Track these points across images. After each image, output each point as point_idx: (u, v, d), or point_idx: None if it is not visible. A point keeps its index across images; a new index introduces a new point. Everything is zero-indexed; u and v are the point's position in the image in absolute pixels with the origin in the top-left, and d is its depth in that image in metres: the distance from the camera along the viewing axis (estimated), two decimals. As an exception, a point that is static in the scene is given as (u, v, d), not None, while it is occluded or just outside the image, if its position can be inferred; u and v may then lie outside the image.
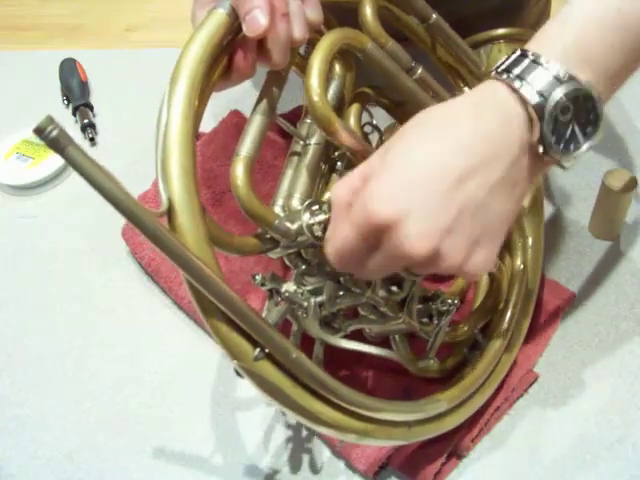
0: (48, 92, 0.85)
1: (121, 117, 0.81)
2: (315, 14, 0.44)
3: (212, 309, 0.37)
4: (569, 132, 0.38)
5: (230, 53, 0.43)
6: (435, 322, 0.47)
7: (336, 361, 0.48)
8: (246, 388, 0.56)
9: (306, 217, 0.41)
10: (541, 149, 0.37)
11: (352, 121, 0.47)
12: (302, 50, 0.51)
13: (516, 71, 0.37)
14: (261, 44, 0.43)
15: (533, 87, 0.36)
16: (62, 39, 1.10)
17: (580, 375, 0.55)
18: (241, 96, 0.80)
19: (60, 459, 0.53)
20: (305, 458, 0.52)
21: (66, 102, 0.84)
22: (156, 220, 0.32)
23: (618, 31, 0.38)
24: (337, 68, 0.49)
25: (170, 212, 0.36)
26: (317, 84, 0.40)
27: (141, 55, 0.93)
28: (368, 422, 0.42)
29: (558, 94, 0.36)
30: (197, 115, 0.39)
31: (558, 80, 0.37)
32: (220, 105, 0.71)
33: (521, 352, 0.54)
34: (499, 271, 0.53)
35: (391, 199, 0.35)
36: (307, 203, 0.41)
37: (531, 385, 0.54)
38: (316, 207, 0.41)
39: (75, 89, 0.84)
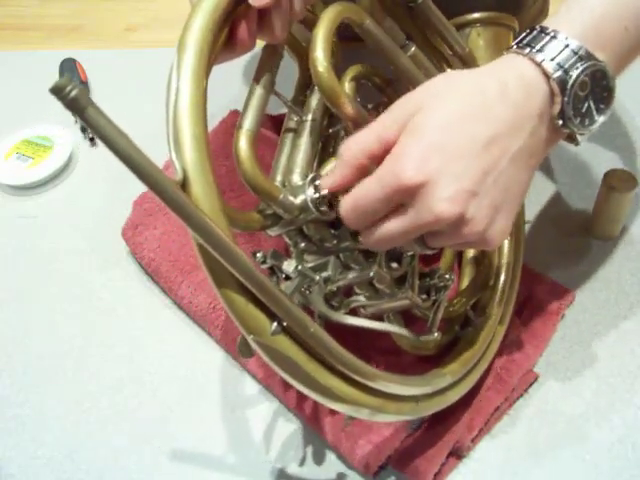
0: (48, 92, 0.85)
1: (121, 117, 0.81)
2: None
3: (227, 280, 0.35)
4: (585, 107, 0.39)
5: (231, 25, 0.42)
6: (433, 298, 0.47)
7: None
8: (246, 388, 0.56)
9: (310, 191, 0.40)
10: (560, 122, 0.39)
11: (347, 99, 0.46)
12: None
13: (537, 46, 0.38)
14: (262, 16, 0.42)
15: (554, 62, 0.38)
16: (62, 39, 1.09)
17: (580, 375, 0.55)
18: (241, 96, 0.80)
19: (60, 459, 0.53)
20: (305, 458, 0.52)
21: (66, 102, 0.84)
22: (175, 186, 0.31)
23: (632, 15, 0.40)
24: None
25: (184, 182, 0.35)
26: (323, 55, 0.40)
27: (141, 55, 0.93)
28: (381, 397, 0.41)
29: (578, 70, 0.38)
30: (205, 86, 0.38)
31: (578, 56, 0.38)
32: (220, 105, 0.71)
33: (521, 352, 0.55)
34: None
35: (423, 162, 0.35)
36: (310, 177, 0.41)
37: (531, 385, 0.54)
38: (319, 182, 0.41)
39: (75, 89, 0.84)
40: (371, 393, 0.41)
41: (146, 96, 0.83)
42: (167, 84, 0.37)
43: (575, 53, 0.38)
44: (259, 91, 0.43)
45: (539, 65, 0.38)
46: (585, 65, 0.38)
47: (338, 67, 0.49)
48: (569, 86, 0.38)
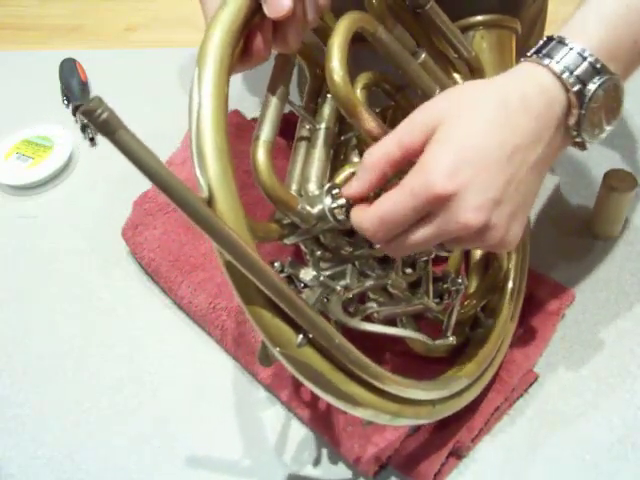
0: (48, 92, 0.85)
1: (121, 117, 0.81)
2: None
3: (254, 296, 0.36)
4: (597, 118, 0.41)
5: (247, 36, 0.42)
6: (446, 301, 0.48)
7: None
8: (246, 388, 0.56)
9: (328, 201, 0.41)
10: (575, 132, 0.40)
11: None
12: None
13: (557, 57, 0.39)
14: (277, 27, 0.42)
15: (574, 74, 0.39)
16: (62, 39, 1.10)
17: (580, 375, 0.55)
18: (241, 96, 0.80)
19: (60, 459, 0.53)
20: (305, 458, 0.52)
21: (66, 102, 0.84)
22: (203, 204, 0.31)
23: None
24: None
25: (210, 197, 0.35)
26: (339, 65, 0.40)
27: (141, 55, 0.93)
28: (400, 403, 0.42)
29: (595, 84, 0.39)
30: (226, 99, 0.38)
31: (595, 70, 0.39)
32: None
33: (521, 352, 0.55)
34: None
35: (455, 173, 0.37)
36: (327, 187, 0.41)
37: (531, 385, 0.54)
38: (336, 191, 0.41)
39: (75, 89, 0.84)
40: (390, 399, 0.41)
41: (146, 96, 0.83)
42: (189, 98, 0.37)
43: (593, 66, 0.39)
44: (274, 101, 0.43)
45: (559, 77, 0.39)
46: (602, 79, 0.39)
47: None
48: (587, 99, 0.39)
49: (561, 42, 0.40)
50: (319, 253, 0.44)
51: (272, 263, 0.41)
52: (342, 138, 0.47)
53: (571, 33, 0.41)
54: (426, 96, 0.47)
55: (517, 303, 0.55)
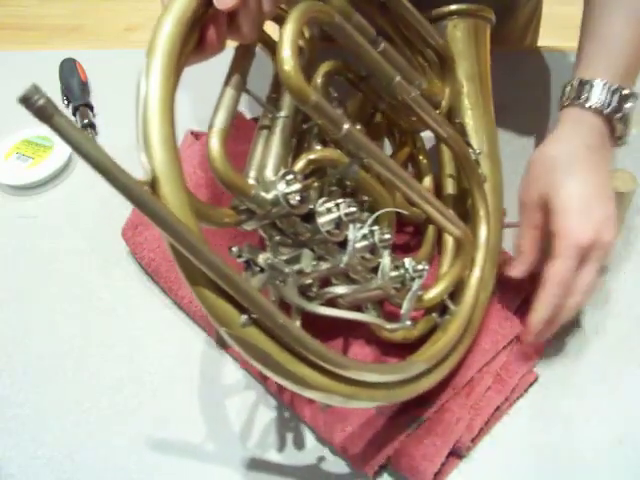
0: (48, 92, 0.85)
1: (121, 117, 0.81)
2: None
3: (198, 276, 0.37)
4: (630, 122, 0.54)
5: (201, 27, 0.42)
6: (407, 288, 0.48)
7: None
8: (247, 388, 0.56)
9: (282, 186, 0.41)
10: (619, 142, 0.55)
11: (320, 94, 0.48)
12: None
13: (593, 99, 0.52)
14: (231, 18, 0.43)
15: (611, 107, 0.52)
16: (62, 39, 1.10)
17: (580, 375, 0.55)
18: (242, 100, 0.80)
19: (60, 459, 0.53)
20: (305, 458, 0.52)
21: (66, 102, 0.84)
22: (142, 187, 0.32)
23: None
24: (301, 42, 0.49)
25: (154, 182, 0.36)
26: (289, 55, 0.40)
27: (141, 55, 0.93)
28: (353, 385, 0.43)
29: (627, 106, 0.52)
30: (174, 88, 0.39)
31: (624, 96, 0.52)
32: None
33: (521, 352, 0.55)
34: (466, 236, 0.54)
35: (585, 224, 0.50)
36: (282, 173, 0.42)
37: (531, 385, 0.54)
38: (291, 177, 0.42)
39: (75, 89, 0.84)
40: (343, 381, 0.42)
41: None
42: (136, 87, 0.38)
43: (621, 95, 0.52)
44: (230, 90, 0.44)
45: (602, 114, 0.52)
46: (628, 98, 0.52)
47: (314, 64, 0.50)
48: (625, 120, 0.53)
49: (589, 84, 0.52)
50: (278, 238, 0.45)
51: (230, 248, 0.41)
52: (305, 127, 0.47)
53: (596, 72, 0.52)
54: (386, 83, 0.48)
55: (485, 291, 0.55)
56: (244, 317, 0.38)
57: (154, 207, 0.33)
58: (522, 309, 0.57)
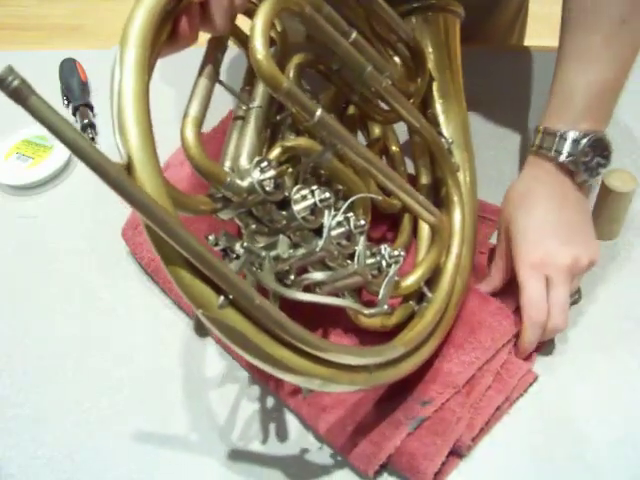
0: (48, 92, 0.84)
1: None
2: None
3: (174, 257, 0.37)
4: (593, 165, 0.56)
5: (174, 19, 0.44)
6: (384, 274, 0.49)
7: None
8: (248, 388, 0.56)
9: (256, 174, 0.42)
10: (581, 183, 0.57)
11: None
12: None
13: (554, 148, 0.56)
14: (204, 10, 0.44)
15: (568, 154, 0.55)
16: (62, 39, 1.10)
17: (580, 375, 0.55)
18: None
19: (60, 459, 0.53)
20: (305, 458, 0.52)
21: (66, 102, 0.84)
22: (119, 168, 0.33)
23: (611, 92, 0.55)
24: (274, 36, 0.51)
25: (129, 166, 0.37)
26: (261, 44, 0.41)
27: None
28: (332, 368, 0.43)
29: (583, 146, 0.54)
30: (148, 78, 0.40)
31: (578, 140, 0.54)
32: (220, 106, 0.71)
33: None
34: (441, 223, 0.55)
35: (537, 253, 0.54)
36: (256, 161, 0.43)
37: (531, 385, 0.54)
38: (265, 164, 0.43)
39: (75, 89, 0.84)
40: (322, 364, 0.43)
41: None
42: (110, 76, 0.38)
43: (576, 140, 0.54)
44: (203, 81, 0.45)
45: (562, 165, 0.55)
46: (588, 141, 0.54)
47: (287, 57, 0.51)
48: (580, 162, 0.55)
49: (551, 133, 0.56)
50: (254, 227, 0.45)
51: (207, 237, 0.42)
52: (278, 117, 0.48)
53: (553, 121, 0.56)
54: (358, 73, 0.49)
55: (462, 276, 0.56)
56: (221, 298, 0.38)
57: (128, 187, 0.33)
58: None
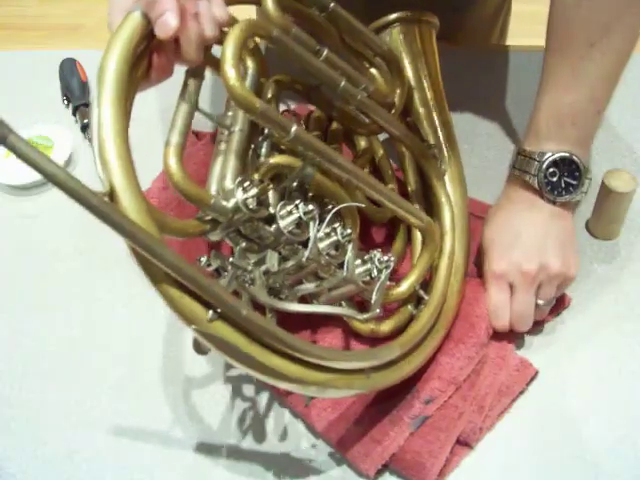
0: (48, 92, 0.85)
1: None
2: (222, 12, 0.47)
3: (161, 276, 0.39)
4: (563, 184, 0.56)
5: (149, 55, 0.46)
6: (376, 280, 0.49)
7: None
8: (250, 388, 0.56)
9: (239, 193, 0.44)
10: (554, 202, 0.57)
11: (271, 106, 0.51)
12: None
13: (523, 168, 0.57)
14: (177, 44, 0.46)
15: (532, 174, 0.56)
16: (62, 39, 1.10)
17: (580, 375, 0.55)
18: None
19: (60, 459, 0.53)
20: (305, 458, 0.52)
21: (66, 102, 0.84)
22: (100, 197, 0.35)
23: (583, 114, 0.55)
24: (249, 63, 0.53)
25: (112, 193, 0.39)
26: (232, 70, 0.42)
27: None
28: (327, 372, 0.44)
29: (546, 166, 0.55)
30: (127, 112, 0.43)
31: (541, 160, 0.56)
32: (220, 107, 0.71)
33: (511, 337, 0.56)
34: (430, 226, 0.56)
35: (502, 260, 0.56)
36: (238, 181, 0.45)
37: (531, 381, 0.54)
38: (247, 183, 0.45)
39: (75, 89, 0.84)
40: (317, 369, 0.44)
41: (145, 96, 0.83)
42: (90, 112, 0.41)
43: (541, 160, 0.56)
44: (182, 110, 0.46)
45: (527, 184, 0.57)
46: (551, 159, 0.56)
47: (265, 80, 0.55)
48: (548, 186, 0.56)
49: (525, 155, 0.57)
50: (244, 245, 0.47)
51: (198, 259, 0.44)
52: (259, 139, 0.50)
53: (530, 144, 0.57)
54: (333, 88, 0.51)
55: (455, 277, 0.57)
56: (210, 312, 0.40)
57: (109, 213, 0.36)
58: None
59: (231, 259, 0.44)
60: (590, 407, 0.53)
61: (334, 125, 0.61)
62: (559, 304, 0.58)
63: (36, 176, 0.75)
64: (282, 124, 0.45)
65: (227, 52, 0.43)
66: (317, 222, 0.46)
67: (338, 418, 0.51)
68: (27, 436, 0.54)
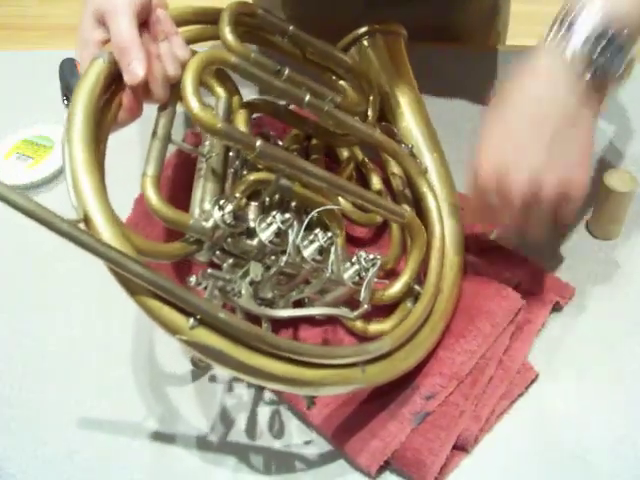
0: (48, 92, 0.85)
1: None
2: (183, 52, 0.51)
3: (139, 289, 0.41)
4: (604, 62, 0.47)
5: (119, 94, 0.49)
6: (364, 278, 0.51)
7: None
8: (251, 386, 0.56)
9: (216, 212, 0.46)
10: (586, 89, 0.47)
11: (242, 128, 0.54)
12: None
13: (566, 38, 0.47)
14: (144, 85, 0.49)
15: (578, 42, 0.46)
16: (62, 39, 1.10)
17: (580, 375, 0.55)
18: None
19: (60, 459, 0.53)
20: (306, 457, 0.52)
21: (66, 102, 0.84)
22: (72, 224, 0.39)
23: None
24: (220, 91, 0.56)
25: (86, 219, 0.42)
26: (193, 98, 0.46)
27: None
28: (319, 369, 0.45)
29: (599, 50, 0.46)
30: (100, 152, 0.47)
31: (592, 36, 0.46)
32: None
33: (521, 334, 0.56)
34: (413, 220, 0.57)
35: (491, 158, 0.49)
36: (214, 200, 0.47)
37: (532, 383, 0.54)
38: (223, 201, 0.47)
39: (75, 89, 0.84)
40: (308, 367, 0.44)
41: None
42: (61, 152, 0.45)
43: (591, 33, 0.46)
44: (157, 143, 0.49)
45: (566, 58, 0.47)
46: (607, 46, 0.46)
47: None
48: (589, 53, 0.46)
49: (563, 23, 0.47)
50: (231, 261, 0.49)
51: (188, 279, 0.45)
52: (237, 162, 0.52)
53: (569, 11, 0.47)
54: (298, 104, 0.54)
55: (451, 270, 0.58)
56: (191, 320, 0.41)
57: (80, 237, 0.40)
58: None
59: (209, 270, 0.46)
60: (590, 407, 0.53)
61: (314, 141, 0.63)
62: (563, 293, 0.58)
63: (36, 176, 0.75)
64: (246, 141, 0.48)
65: (186, 83, 0.47)
66: (295, 229, 0.48)
67: (338, 415, 0.51)
68: (27, 436, 0.54)
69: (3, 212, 0.73)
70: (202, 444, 0.53)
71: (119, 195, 0.71)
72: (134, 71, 0.47)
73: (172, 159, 0.65)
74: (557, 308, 0.59)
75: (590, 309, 0.59)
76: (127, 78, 0.48)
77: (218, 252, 0.48)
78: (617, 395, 0.54)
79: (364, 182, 0.66)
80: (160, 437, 0.53)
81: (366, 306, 0.49)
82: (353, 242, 0.63)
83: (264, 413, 0.54)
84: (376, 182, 0.65)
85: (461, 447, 0.50)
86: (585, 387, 0.54)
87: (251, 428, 0.54)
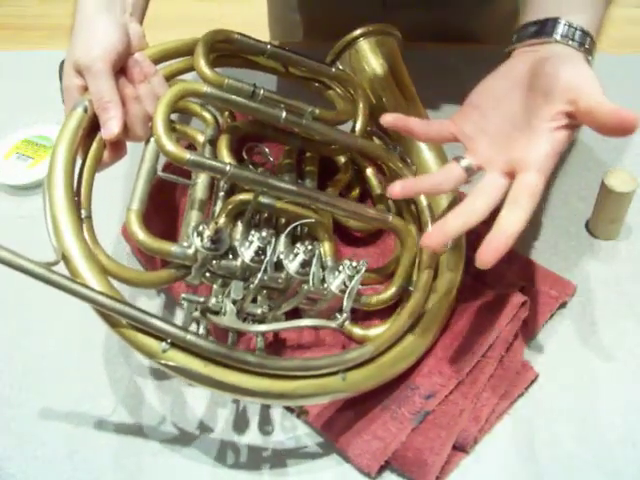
0: (48, 92, 0.85)
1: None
2: (162, 90, 0.53)
3: (116, 321, 0.45)
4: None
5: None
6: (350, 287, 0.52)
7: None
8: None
9: (196, 239, 0.49)
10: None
11: (224, 152, 0.56)
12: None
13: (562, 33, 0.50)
14: (126, 126, 0.52)
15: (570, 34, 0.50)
16: (62, 39, 1.09)
17: (580, 375, 0.55)
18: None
19: (60, 459, 0.53)
20: (305, 458, 0.52)
21: (66, 102, 0.84)
22: (43, 266, 0.43)
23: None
24: (208, 117, 0.59)
25: (65, 259, 0.47)
26: (162, 134, 0.49)
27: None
28: (294, 380, 0.46)
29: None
30: (87, 192, 0.52)
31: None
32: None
33: (517, 340, 0.56)
34: (399, 224, 0.58)
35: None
36: (193, 226, 0.50)
37: (531, 384, 0.54)
38: (202, 227, 0.49)
39: (75, 89, 0.84)
40: (282, 379, 0.46)
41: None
42: (42, 195, 0.48)
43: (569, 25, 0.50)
44: (142, 178, 0.52)
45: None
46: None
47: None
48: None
49: (554, 21, 0.51)
50: (220, 281, 0.51)
51: (180, 303, 0.49)
52: (225, 185, 0.56)
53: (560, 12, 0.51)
54: (276, 122, 0.56)
55: (442, 275, 0.57)
56: (163, 344, 0.44)
57: (53, 279, 0.44)
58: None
59: (182, 295, 0.49)
60: (590, 407, 0.53)
61: (307, 154, 0.63)
62: (564, 291, 0.58)
63: (36, 176, 0.75)
64: (215, 167, 0.50)
65: (157, 123, 0.49)
66: (272, 245, 0.50)
67: (338, 415, 0.51)
68: (27, 436, 0.54)
69: (3, 210, 0.74)
70: (203, 444, 0.53)
71: (120, 195, 0.72)
72: (110, 129, 0.51)
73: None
74: (558, 307, 0.59)
75: (590, 309, 0.59)
76: (104, 133, 0.52)
77: (207, 274, 0.51)
78: (617, 395, 0.54)
79: (365, 187, 0.66)
80: (160, 437, 0.53)
81: (345, 314, 0.50)
82: (357, 244, 0.63)
83: (264, 412, 0.54)
84: (376, 186, 0.65)
85: (460, 447, 0.50)
86: (585, 387, 0.54)
87: (252, 428, 0.54)
